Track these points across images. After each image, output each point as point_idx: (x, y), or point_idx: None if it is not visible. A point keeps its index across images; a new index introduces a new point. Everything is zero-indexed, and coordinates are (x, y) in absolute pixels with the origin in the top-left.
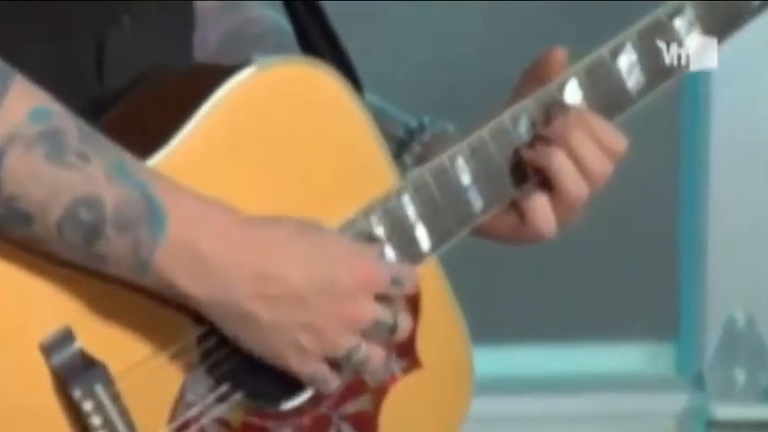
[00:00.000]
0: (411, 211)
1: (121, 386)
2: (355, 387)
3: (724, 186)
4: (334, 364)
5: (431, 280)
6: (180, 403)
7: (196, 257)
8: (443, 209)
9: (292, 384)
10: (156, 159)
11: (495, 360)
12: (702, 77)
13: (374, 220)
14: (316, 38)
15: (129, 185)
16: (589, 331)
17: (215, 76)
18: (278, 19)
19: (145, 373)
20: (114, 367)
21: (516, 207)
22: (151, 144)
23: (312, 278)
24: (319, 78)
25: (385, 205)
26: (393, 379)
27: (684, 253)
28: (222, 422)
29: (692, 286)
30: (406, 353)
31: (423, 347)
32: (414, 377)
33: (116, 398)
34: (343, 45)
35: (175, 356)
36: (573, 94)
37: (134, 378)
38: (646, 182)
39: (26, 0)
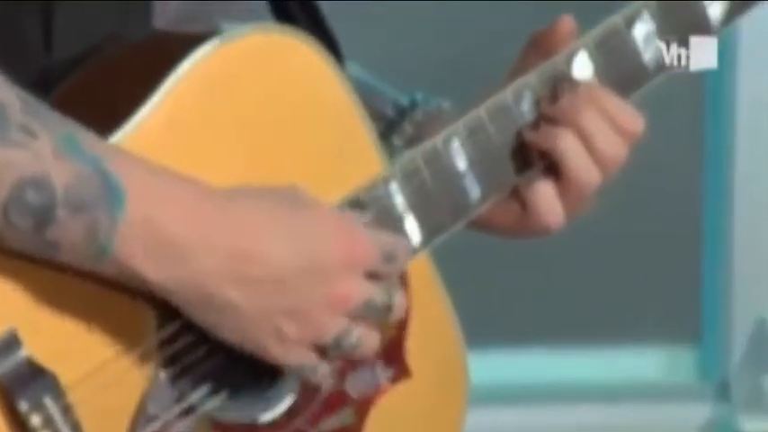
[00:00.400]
0: (400, 200)
1: (74, 397)
2: (336, 399)
3: (751, 176)
4: (323, 350)
5: (421, 278)
6: (141, 416)
7: (160, 240)
8: (436, 198)
9: (267, 395)
10: (117, 138)
11: (493, 366)
12: (727, 68)
13: (358, 210)
14: (290, 3)
15: (82, 162)
16: (600, 334)
17: (178, 46)
18: None
19: (101, 382)
20: (66, 376)
21: (518, 196)
22: (109, 120)
23: (293, 257)
24: (295, 49)
25: (370, 193)
26: (379, 390)
27: (708, 247)
28: None
29: (717, 284)
30: (394, 360)
31: (412, 354)
32: (402, 387)
33: (67, 411)
34: (320, 10)
35: (136, 363)
36: (582, 67)
37: (88, 388)
38: (665, 168)
39: None
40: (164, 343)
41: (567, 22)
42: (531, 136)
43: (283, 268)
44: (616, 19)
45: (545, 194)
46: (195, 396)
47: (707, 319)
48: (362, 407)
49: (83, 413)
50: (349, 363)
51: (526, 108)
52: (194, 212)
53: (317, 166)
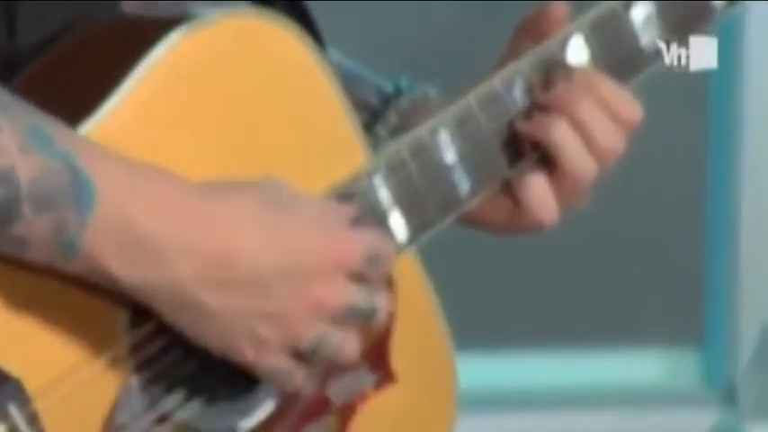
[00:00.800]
0: (384, 194)
1: (40, 405)
2: (318, 406)
3: (756, 172)
4: (300, 356)
5: (407, 277)
6: (110, 425)
7: (133, 240)
8: (423, 192)
9: (246, 402)
10: (87, 126)
11: (486, 371)
12: (732, 65)
13: (344, 200)
14: None
15: (49, 155)
16: (598, 336)
17: (149, 31)
18: None
19: (69, 388)
20: (32, 382)
21: (510, 190)
22: (76, 109)
23: (273, 259)
24: (273, 34)
25: (353, 188)
26: (362, 396)
27: (712, 245)
28: None
29: (721, 283)
30: (378, 365)
31: (397, 358)
32: (387, 393)
33: (33, 420)
34: None
35: (106, 368)
36: (577, 52)
37: (56, 395)
38: (669, 166)
39: None
40: (135, 347)
41: (560, 7)
42: (523, 126)
43: (262, 270)
44: (612, 2)
45: (537, 189)
46: (168, 403)
47: (711, 320)
48: (345, 414)
49: (49, 422)
50: (331, 369)
51: (518, 96)
52: (170, 212)
53: (296, 158)
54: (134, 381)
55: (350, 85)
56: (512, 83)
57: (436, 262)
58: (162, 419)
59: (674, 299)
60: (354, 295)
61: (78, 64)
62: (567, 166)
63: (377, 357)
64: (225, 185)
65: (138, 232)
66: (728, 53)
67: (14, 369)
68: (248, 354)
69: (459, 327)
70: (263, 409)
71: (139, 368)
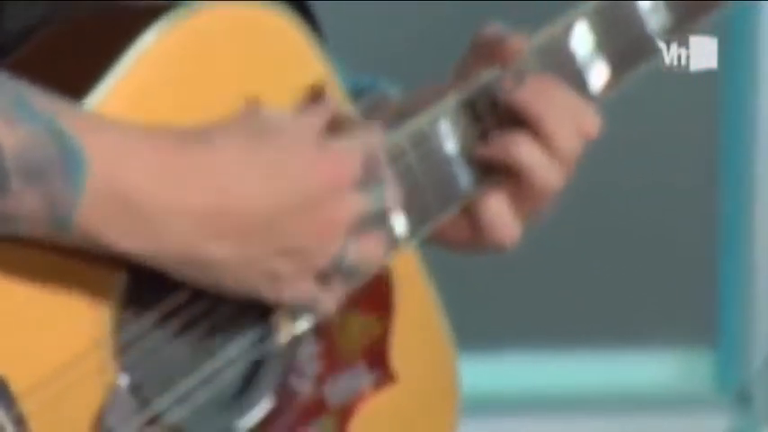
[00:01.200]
0: None
1: (26, 407)
2: (315, 408)
3: None
4: (323, 277)
5: (407, 274)
6: (99, 427)
7: (127, 206)
8: (424, 184)
9: (240, 402)
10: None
11: (491, 373)
12: (746, 63)
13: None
14: None
15: (34, 124)
16: (607, 336)
17: (139, 17)
18: None
19: (55, 390)
20: (18, 384)
21: (468, 212)
22: (68, 93)
23: (273, 196)
24: (270, 22)
25: None
26: (361, 396)
27: (725, 243)
28: None
29: (735, 284)
30: (377, 364)
31: (397, 357)
32: (386, 394)
33: (20, 422)
34: None
35: (93, 369)
36: (582, 38)
37: (42, 397)
38: (681, 164)
39: None
40: (123, 347)
41: (519, 42)
42: (482, 150)
43: (264, 211)
44: None
45: (496, 211)
46: (159, 405)
47: (724, 321)
48: (343, 416)
49: (36, 424)
50: (328, 368)
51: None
52: (164, 172)
53: None
54: (123, 382)
55: None
56: (438, 120)
57: (436, 259)
58: (152, 422)
59: (687, 299)
60: (362, 203)
61: (66, 51)
62: (536, 181)
63: (375, 356)
64: (215, 130)
65: (133, 199)
66: (742, 51)
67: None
68: (268, 292)
69: (463, 327)
70: (259, 410)
71: (128, 368)
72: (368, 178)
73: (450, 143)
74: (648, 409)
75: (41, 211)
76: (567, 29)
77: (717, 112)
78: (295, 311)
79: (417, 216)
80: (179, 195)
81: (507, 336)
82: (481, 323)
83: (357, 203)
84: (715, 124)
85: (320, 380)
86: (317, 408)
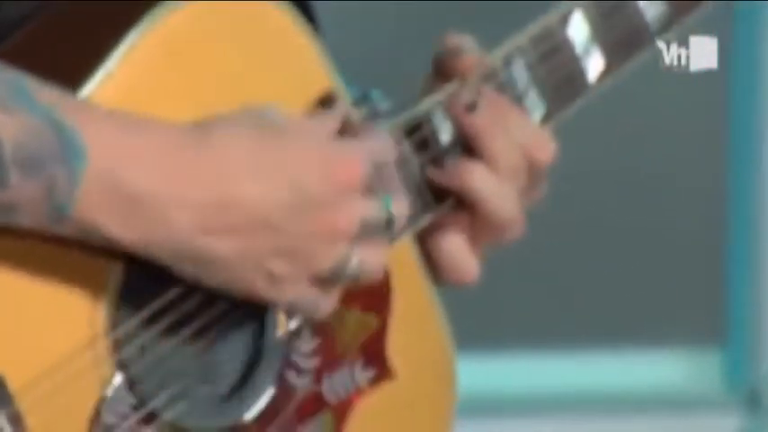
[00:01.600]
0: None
1: (22, 405)
2: (312, 404)
3: None
4: (322, 282)
5: (406, 269)
6: (96, 425)
7: (125, 197)
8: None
9: (238, 398)
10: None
11: (494, 373)
12: (754, 62)
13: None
14: None
15: (33, 114)
16: (614, 336)
17: (131, 10)
18: None
19: (51, 388)
20: (14, 381)
21: (424, 249)
22: (63, 81)
23: (276, 194)
24: (267, 13)
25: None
26: (358, 392)
27: (734, 241)
28: None
29: (744, 282)
30: (374, 359)
31: (395, 353)
32: (384, 390)
33: (16, 420)
34: None
35: (90, 365)
36: (578, 29)
37: (38, 394)
38: (689, 163)
39: None
40: (119, 343)
41: (471, 59)
42: (435, 174)
43: (266, 208)
44: None
45: (454, 248)
46: (157, 401)
47: (734, 320)
48: (341, 411)
49: (33, 422)
50: (326, 363)
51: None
52: (164, 164)
53: None
54: (119, 378)
55: None
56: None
57: None
58: (150, 419)
59: (696, 299)
60: (367, 209)
61: (61, 39)
62: (491, 210)
63: (372, 351)
64: (221, 122)
65: (131, 190)
66: (750, 51)
67: None
68: (266, 292)
69: (464, 327)
70: (256, 407)
71: (124, 364)
72: (376, 185)
73: (445, 136)
74: (658, 409)
75: (40, 201)
76: (565, 19)
77: (725, 111)
78: (290, 312)
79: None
80: (176, 188)
81: (513, 336)
82: (486, 324)
83: (363, 209)
84: (723, 123)
85: (318, 375)
86: (315, 403)
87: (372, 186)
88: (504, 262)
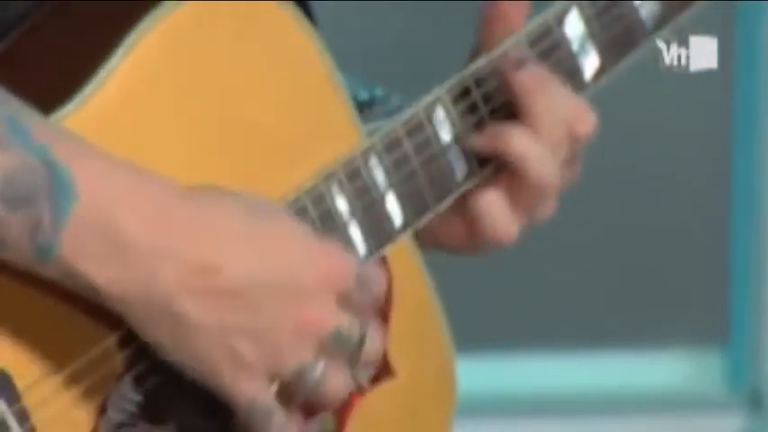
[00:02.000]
0: (380, 176)
1: (29, 402)
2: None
3: None
4: (282, 390)
5: (406, 269)
6: (102, 423)
7: (111, 241)
8: (420, 175)
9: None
10: (62, 114)
11: (491, 373)
12: (758, 62)
13: (335, 188)
14: None
15: (25, 149)
16: (620, 337)
17: (132, 10)
18: None
19: (58, 386)
20: (21, 380)
21: (463, 209)
22: (51, 94)
23: (260, 272)
24: (268, 11)
25: (347, 168)
26: (360, 391)
27: (737, 240)
28: None
29: (747, 282)
30: None
31: (396, 352)
32: (385, 389)
33: (23, 417)
34: None
35: (97, 362)
36: (574, 26)
37: (45, 391)
38: (692, 161)
39: None
40: (127, 339)
41: (521, 7)
42: (476, 140)
43: (250, 281)
44: None
45: (493, 207)
46: (158, 405)
47: (737, 320)
48: (342, 411)
49: (39, 419)
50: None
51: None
52: (153, 215)
53: (293, 144)
54: (126, 375)
55: None
56: (434, 107)
57: (437, 261)
58: (159, 418)
59: (699, 299)
60: (343, 320)
61: (61, 39)
62: (530, 174)
63: None
64: (215, 190)
65: (118, 235)
66: (751, 51)
67: (1, 365)
68: (225, 374)
69: (464, 327)
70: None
71: (131, 362)
72: (354, 299)
73: (445, 132)
74: (660, 409)
75: (25, 238)
76: (561, 17)
77: (725, 111)
78: (243, 413)
79: (413, 207)
80: (170, 240)
81: (514, 336)
82: (487, 325)
83: (338, 317)
84: (724, 124)
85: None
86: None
87: (352, 304)
88: (504, 262)
